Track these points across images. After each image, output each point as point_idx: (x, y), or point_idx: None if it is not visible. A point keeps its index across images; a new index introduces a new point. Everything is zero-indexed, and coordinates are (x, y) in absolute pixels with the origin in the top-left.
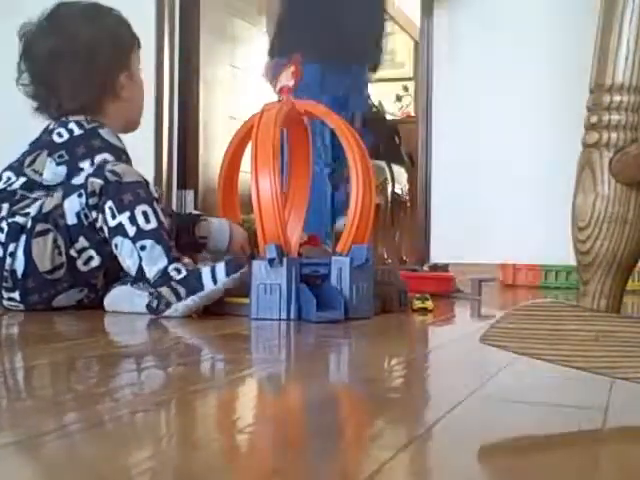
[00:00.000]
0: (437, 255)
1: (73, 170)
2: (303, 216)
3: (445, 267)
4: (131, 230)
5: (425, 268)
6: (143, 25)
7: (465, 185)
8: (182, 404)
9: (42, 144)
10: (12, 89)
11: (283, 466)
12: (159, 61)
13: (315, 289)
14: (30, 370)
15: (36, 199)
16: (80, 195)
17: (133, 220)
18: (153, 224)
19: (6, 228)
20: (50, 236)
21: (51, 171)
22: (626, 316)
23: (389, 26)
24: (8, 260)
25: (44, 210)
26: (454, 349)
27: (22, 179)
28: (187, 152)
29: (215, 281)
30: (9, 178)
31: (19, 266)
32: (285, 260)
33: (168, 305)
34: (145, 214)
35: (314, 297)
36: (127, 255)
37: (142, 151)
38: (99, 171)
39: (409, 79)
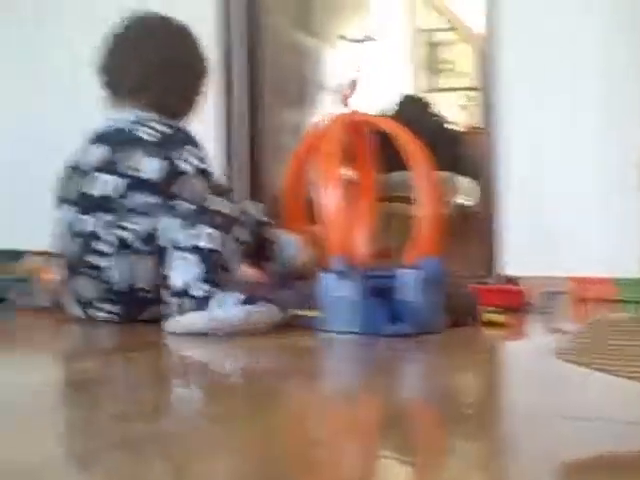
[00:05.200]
0: (506, 268)
1: (170, 164)
2: (370, 227)
3: (514, 280)
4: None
5: (494, 281)
6: (208, 38)
7: (533, 196)
8: (255, 416)
9: (131, 143)
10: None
11: (357, 479)
12: (227, 73)
13: (384, 302)
14: (106, 380)
15: (140, 213)
16: (182, 222)
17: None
18: (213, 244)
19: (113, 241)
20: (151, 255)
21: (151, 167)
22: None
23: (449, 35)
24: (110, 272)
25: (148, 230)
26: (527, 364)
27: (121, 180)
28: (256, 165)
29: (220, 306)
30: (106, 182)
31: (121, 280)
32: (353, 272)
33: (172, 316)
34: (208, 237)
35: (384, 310)
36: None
37: (212, 165)
38: (195, 196)
39: (472, 89)
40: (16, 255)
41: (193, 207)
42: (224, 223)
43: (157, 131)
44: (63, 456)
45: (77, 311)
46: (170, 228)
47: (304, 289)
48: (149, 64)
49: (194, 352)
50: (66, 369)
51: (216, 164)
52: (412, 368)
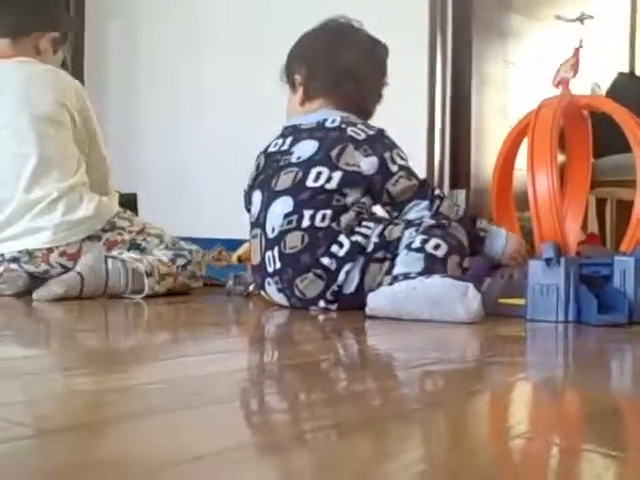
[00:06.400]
0: None
1: (381, 163)
2: (581, 213)
3: None
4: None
5: None
6: (416, 24)
7: None
8: (455, 406)
9: (341, 139)
10: None
11: (561, 477)
12: (432, 60)
13: (595, 290)
14: (311, 365)
15: (371, 219)
16: (417, 230)
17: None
18: (440, 253)
19: (347, 245)
20: (387, 264)
21: (366, 162)
22: None
23: None
24: (341, 277)
25: (387, 238)
26: None
27: (338, 173)
28: (459, 151)
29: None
30: (319, 173)
31: (349, 285)
32: (563, 260)
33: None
34: (437, 246)
35: (595, 299)
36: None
37: (415, 151)
38: (436, 214)
39: None
40: (238, 244)
41: (433, 222)
42: (457, 248)
43: (364, 132)
44: (265, 440)
45: (284, 301)
46: (409, 238)
47: (509, 277)
48: (348, 65)
49: (397, 339)
50: (272, 354)
51: (418, 151)
52: (624, 360)
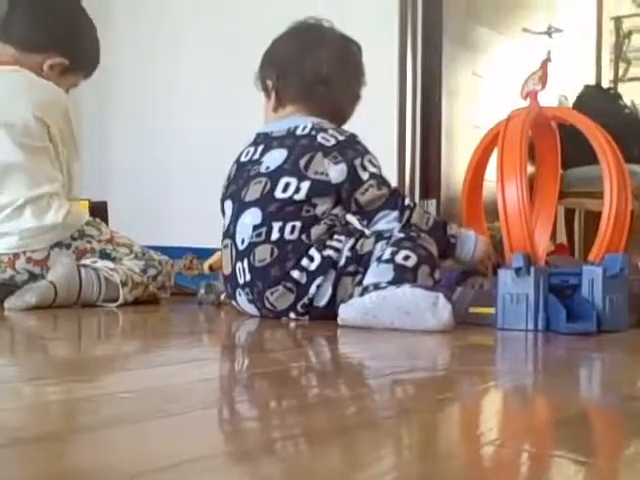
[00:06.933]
0: None
1: (351, 170)
2: (551, 224)
3: None
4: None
5: None
6: (386, 35)
7: None
8: (426, 414)
9: (311, 147)
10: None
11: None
12: (402, 71)
13: (564, 299)
14: (283, 373)
15: (342, 232)
16: (387, 243)
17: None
18: (410, 263)
19: (318, 259)
20: (358, 277)
21: (334, 170)
22: None
23: None
24: (312, 290)
25: (359, 252)
26: None
27: (307, 183)
28: (429, 161)
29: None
30: (288, 184)
31: (321, 298)
32: (532, 269)
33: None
34: (407, 257)
35: (563, 308)
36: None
37: (385, 160)
38: (406, 226)
39: None
40: (209, 253)
41: (402, 235)
42: (426, 259)
43: (334, 137)
44: (239, 448)
45: (255, 312)
46: (379, 250)
47: (480, 286)
48: (318, 68)
49: (368, 347)
50: (244, 362)
51: (389, 161)
52: (592, 367)
